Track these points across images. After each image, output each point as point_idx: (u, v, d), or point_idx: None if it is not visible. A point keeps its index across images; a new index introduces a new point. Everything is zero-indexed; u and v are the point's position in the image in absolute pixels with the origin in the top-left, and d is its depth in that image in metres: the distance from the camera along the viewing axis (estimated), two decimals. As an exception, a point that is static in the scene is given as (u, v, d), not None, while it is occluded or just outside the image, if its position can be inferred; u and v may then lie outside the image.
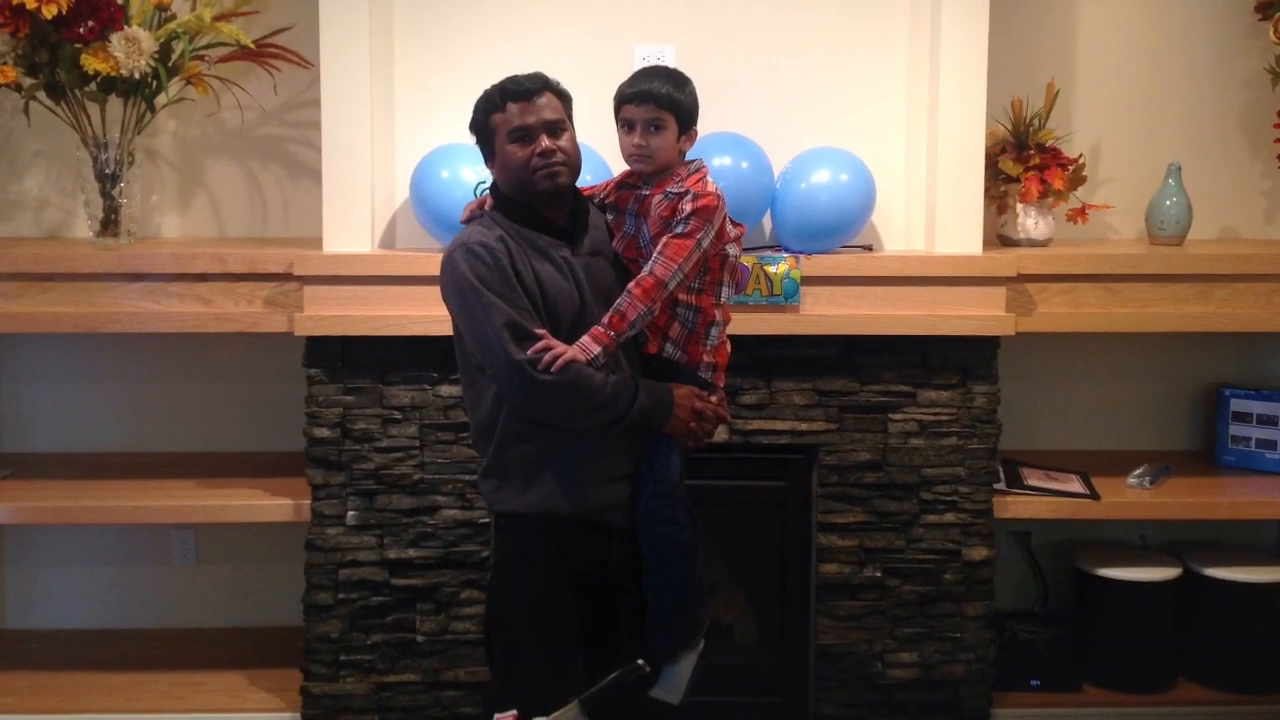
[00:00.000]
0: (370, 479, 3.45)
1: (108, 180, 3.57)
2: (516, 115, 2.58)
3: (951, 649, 3.56)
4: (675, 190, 2.61)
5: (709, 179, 2.65)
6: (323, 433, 3.44)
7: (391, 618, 3.49)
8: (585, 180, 2.76)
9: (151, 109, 3.61)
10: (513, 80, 2.61)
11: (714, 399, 2.73)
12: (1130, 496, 3.67)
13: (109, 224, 3.60)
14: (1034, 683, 3.72)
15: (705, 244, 2.58)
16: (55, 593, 4.06)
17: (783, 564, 3.62)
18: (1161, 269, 3.59)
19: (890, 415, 3.49)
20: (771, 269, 3.36)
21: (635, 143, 2.62)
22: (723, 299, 2.70)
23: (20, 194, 3.92)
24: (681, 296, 2.64)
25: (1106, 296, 3.58)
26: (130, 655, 3.87)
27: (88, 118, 3.56)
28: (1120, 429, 4.12)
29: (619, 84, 2.65)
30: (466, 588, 3.48)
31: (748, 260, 3.32)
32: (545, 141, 2.58)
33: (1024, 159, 3.74)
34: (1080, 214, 3.81)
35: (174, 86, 3.57)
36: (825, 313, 3.40)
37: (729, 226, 2.67)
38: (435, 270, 2.63)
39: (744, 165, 3.36)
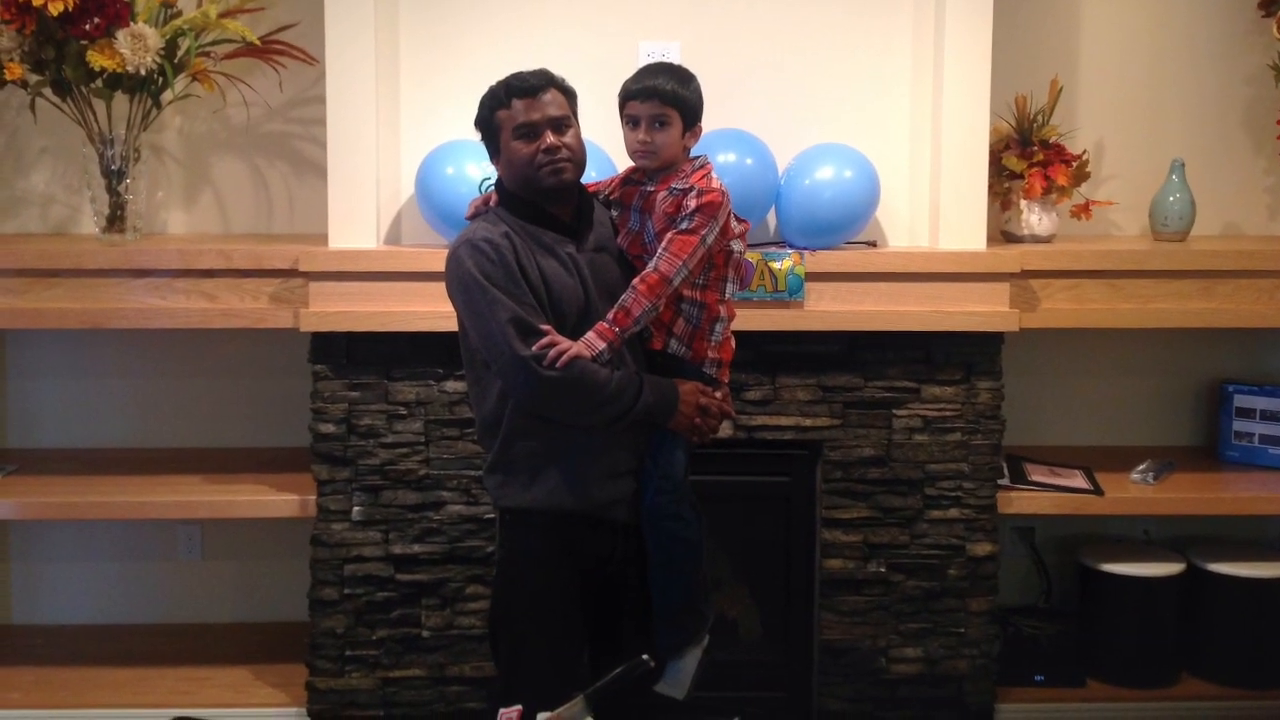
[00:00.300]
0: (375, 474, 3.45)
1: (113, 176, 3.58)
2: (521, 112, 2.58)
3: (955, 644, 3.57)
4: (680, 186, 2.62)
5: (713, 175, 2.65)
6: (328, 428, 3.44)
7: (397, 613, 3.49)
8: (590, 176, 2.77)
9: (157, 105, 3.61)
10: (518, 77, 2.61)
11: (718, 395, 2.73)
12: (1134, 492, 3.67)
13: (115, 220, 3.61)
14: (1038, 678, 3.73)
15: (710, 240, 2.59)
16: (61, 588, 4.07)
17: (787, 559, 3.62)
18: (1165, 265, 3.59)
19: (894, 411, 3.50)
20: (776, 265, 3.37)
21: (640, 139, 2.62)
22: (727, 295, 2.70)
23: (26, 190, 3.93)
24: (686, 292, 2.64)
25: (1110, 292, 3.58)
26: (136, 650, 3.87)
27: (94, 114, 3.57)
28: (1124, 425, 4.13)
29: (624, 80, 2.66)
30: (471, 583, 3.49)
31: (752, 256, 3.33)
32: (550, 138, 2.58)
33: (1028, 155, 3.74)
34: (1084, 210, 3.81)
35: (180, 83, 3.58)
36: (829, 309, 3.41)
37: (733, 223, 2.67)
38: (440, 266, 2.63)
39: (748, 162, 3.37)
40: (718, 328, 2.70)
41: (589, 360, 2.52)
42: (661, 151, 2.62)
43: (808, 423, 3.49)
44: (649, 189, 2.67)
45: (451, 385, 3.42)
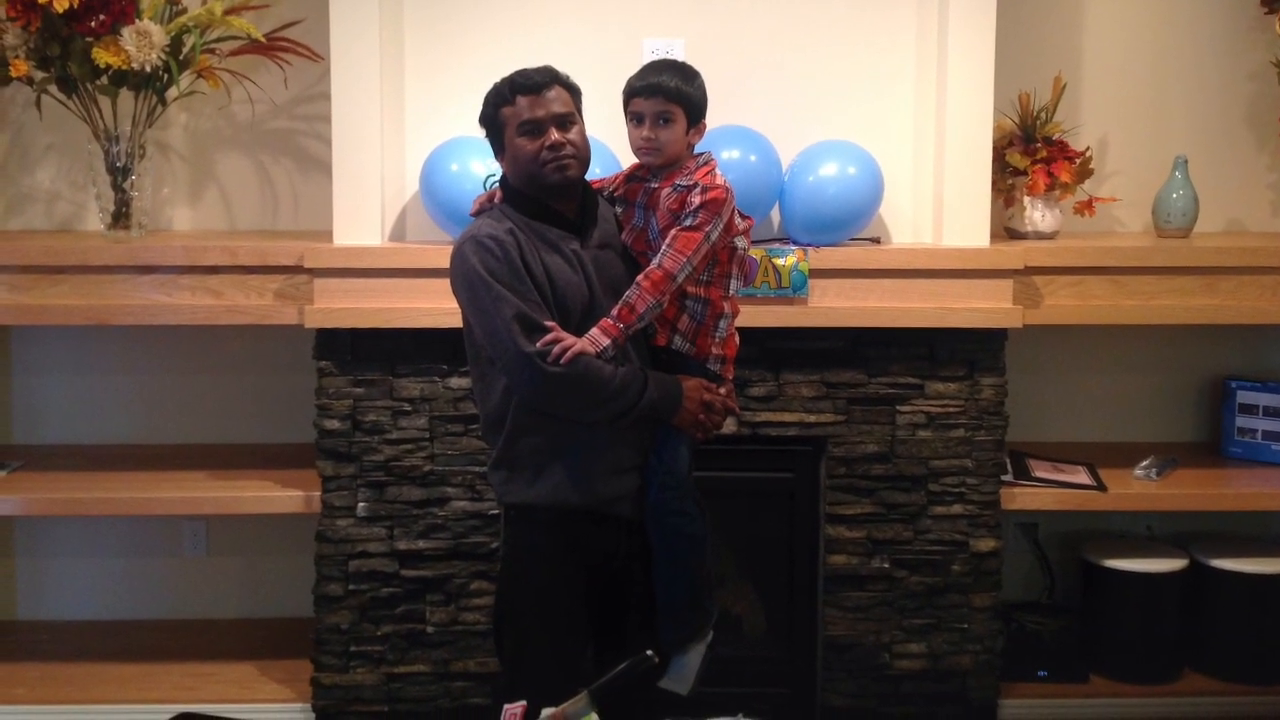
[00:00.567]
0: (380, 471, 3.46)
1: (119, 173, 3.59)
2: (526, 108, 2.58)
3: (959, 640, 3.57)
4: (684, 183, 2.62)
5: (717, 172, 2.65)
6: (333, 425, 3.45)
7: (401, 609, 3.50)
8: (594, 173, 2.77)
9: (163, 102, 3.62)
10: (522, 74, 2.61)
11: (722, 391, 2.73)
12: (1137, 488, 3.67)
13: (120, 217, 3.61)
14: (1041, 673, 3.74)
15: (714, 237, 2.59)
16: (67, 584, 4.08)
17: (791, 555, 3.63)
18: (1168, 262, 3.60)
19: (898, 407, 3.50)
20: (780, 261, 3.37)
21: (644, 136, 2.62)
22: (731, 291, 2.70)
23: (32, 187, 3.94)
24: (690, 289, 2.65)
25: (1113, 289, 3.59)
26: (141, 646, 3.88)
27: (99, 111, 3.58)
28: (1127, 421, 4.13)
29: (628, 77, 2.66)
30: (476, 579, 3.49)
31: (756, 253, 3.33)
32: (554, 135, 2.58)
33: (1031, 152, 3.74)
34: (1087, 207, 3.82)
35: (185, 80, 3.59)
36: (833, 305, 3.41)
37: (737, 219, 2.67)
38: (445, 263, 2.64)
39: (752, 158, 3.37)
40: (722, 324, 2.70)
41: (593, 356, 2.53)
42: (666, 148, 2.62)
43: (811, 419, 3.50)
44: (653, 185, 2.67)
45: (456, 381, 3.43)
